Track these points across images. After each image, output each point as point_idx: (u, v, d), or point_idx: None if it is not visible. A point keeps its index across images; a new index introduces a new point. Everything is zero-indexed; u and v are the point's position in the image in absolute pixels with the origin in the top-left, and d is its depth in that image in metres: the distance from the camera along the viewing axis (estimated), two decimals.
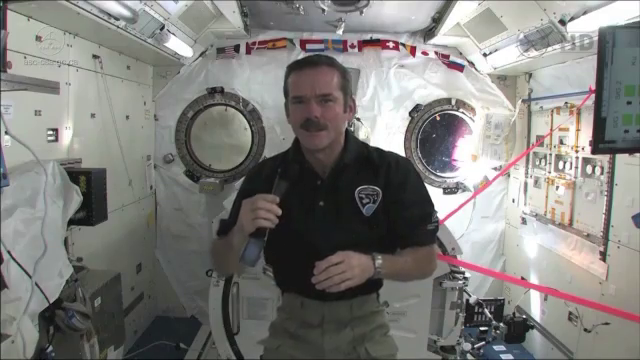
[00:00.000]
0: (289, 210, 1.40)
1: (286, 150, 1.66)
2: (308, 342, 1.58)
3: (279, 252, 1.57)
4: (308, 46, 4.23)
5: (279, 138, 4.28)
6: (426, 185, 1.70)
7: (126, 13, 2.58)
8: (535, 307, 3.75)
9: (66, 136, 2.83)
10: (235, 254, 1.41)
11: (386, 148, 1.67)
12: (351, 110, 1.60)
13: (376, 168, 1.56)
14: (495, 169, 4.24)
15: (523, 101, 4.11)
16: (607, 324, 2.74)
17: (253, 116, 4.36)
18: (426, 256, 1.59)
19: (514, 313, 3.40)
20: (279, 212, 1.34)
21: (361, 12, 3.53)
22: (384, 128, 4.36)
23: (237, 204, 1.50)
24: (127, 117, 3.72)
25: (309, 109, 1.46)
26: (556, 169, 3.60)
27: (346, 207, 1.51)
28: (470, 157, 4.38)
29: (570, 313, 3.18)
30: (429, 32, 4.13)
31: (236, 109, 4.38)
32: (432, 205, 1.61)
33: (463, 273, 2.85)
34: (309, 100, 1.46)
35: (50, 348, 2.06)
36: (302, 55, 4.06)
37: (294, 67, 1.53)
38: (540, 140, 3.75)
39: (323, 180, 1.55)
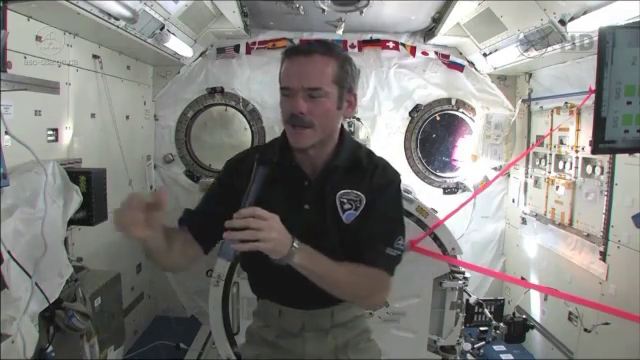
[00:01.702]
0: (271, 211, 1.27)
1: (270, 142, 1.53)
2: (288, 351, 1.48)
3: (257, 256, 1.43)
4: None
5: None
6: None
7: (126, 13, 2.58)
8: (535, 307, 3.75)
9: (66, 136, 2.82)
10: (155, 251, 1.36)
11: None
12: (350, 106, 1.43)
13: (363, 171, 1.43)
14: (495, 169, 4.24)
15: (523, 101, 4.11)
16: (607, 324, 2.74)
17: (253, 116, 4.36)
18: (370, 278, 1.35)
19: (514, 313, 3.40)
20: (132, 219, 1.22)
21: (361, 12, 3.53)
22: (384, 128, 4.36)
23: (210, 193, 1.41)
24: (127, 117, 3.72)
25: (295, 103, 1.32)
26: (556, 169, 3.60)
27: (330, 212, 1.38)
28: (470, 157, 4.38)
29: (570, 313, 3.18)
30: (429, 32, 4.13)
31: (236, 109, 4.38)
32: (401, 230, 1.42)
33: (463, 273, 2.85)
34: (296, 93, 1.32)
35: (50, 348, 2.06)
36: None
37: (287, 54, 1.38)
38: (540, 140, 3.75)
39: (311, 181, 1.42)
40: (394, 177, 1.47)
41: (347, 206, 1.39)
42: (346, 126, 4.13)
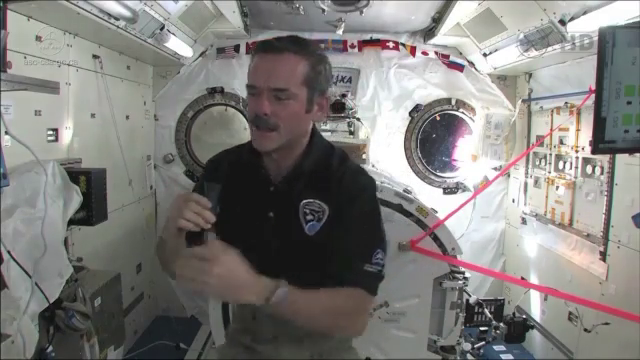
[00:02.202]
0: (237, 216, 1.25)
1: (242, 145, 1.44)
2: (263, 356, 1.44)
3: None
4: None
5: None
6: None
7: (126, 13, 2.58)
8: (535, 307, 3.75)
9: (66, 136, 2.82)
10: (169, 253, 1.28)
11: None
12: (321, 109, 1.34)
13: (330, 179, 1.32)
14: (495, 169, 4.24)
15: (523, 101, 4.11)
16: (607, 324, 2.73)
17: None
18: (349, 302, 1.22)
19: (514, 313, 3.39)
20: (212, 219, 1.16)
21: (361, 12, 3.54)
22: (384, 128, 4.36)
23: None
24: (127, 117, 3.72)
25: (259, 104, 1.24)
26: (556, 169, 3.60)
27: (293, 222, 1.30)
28: (470, 157, 4.38)
29: (570, 313, 3.18)
30: (429, 32, 4.14)
31: (236, 109, 4.38)
32: (378, 243, 1.29)
33: (463, 273, 2.84)
34: (261, 93, 1.24)
35: (50, 348, 2.06)
36: None
37: (257, 49, 1.29)
38: (540, 140, 3.74)
39: (276, 187, 1.35)
40: (366, 186, 1.34)
41: (309, 217, 1.30)
42: (346, 127, 4.14)
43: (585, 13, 2.54)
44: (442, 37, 3.99)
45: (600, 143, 1.83)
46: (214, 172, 1.34)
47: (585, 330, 2.94)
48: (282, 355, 1.42)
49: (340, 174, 1.33)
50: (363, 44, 4.26)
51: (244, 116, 4.38)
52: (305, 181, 1.33)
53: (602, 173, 3.00)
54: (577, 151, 3.28)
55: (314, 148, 1.36)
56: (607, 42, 1.76)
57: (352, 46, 4.23)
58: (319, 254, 1.28)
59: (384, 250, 1.30)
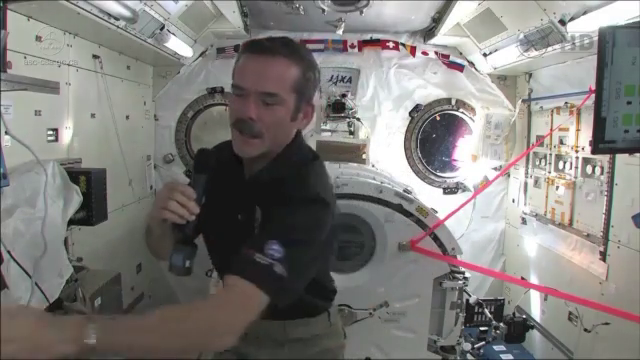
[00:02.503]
0: (211, 216, 1.25)
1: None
2: (247, 356, 1.45)
3: (210, 256, 1.45)
4: (308, 46, 4.23)
5: None
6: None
7: (126, 13, 2.58)
8: (535, 307, 3.75)
9: (66, 136, 2.82)
10: (155, 239, 1.31)
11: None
12: (306, 117, 1.30)
13: (282, 183, 1.24)
14: (495, 169, 4.24)
15: (523, 101, 4.11)
16: (607, 324, 2.74)
17: None
18: (212, 305, 1.08)
19: (514, 313, 3.40)
20: (196, 210, 1.16)
21: (361, 12, 3.54)
22: (384, 128, 4.37)
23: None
24: (127, 117, 3.71)
25: (245, 107, 1.19)
26: (556, 169, 3.60)
27: (253, 227, 1.26)
28: (470, 157, 4.39)
29: (570, 313, 3.18)
30: (429, 32, 4.14)
31: None
32: (280, 237, 1.10)
33: (463, 273, 2.85)
34: (248, 95, 1.18)
35: None
36: None
37: (247, 48, 1.24)
38: (540, 140, 3.74)
39: (245, 190, 1.33)
40: (302, 193, 1.21)
41: (257, 224, 1.25)
42: (346, 127, 4.14)
43: (585, 13, 2.54)
44: (442, 37, 3.99)
45: (600, 143, 1.84)
46: (203, 162, 1.30)
47: (585, 330, 2.94)
48: (264, 355, 1.43)
49: (286, 181, 1.24)
50: (363, 44, 4.25)
51: None
52: (267, 185, 1.26)
53: (602, 173, 3.00)
54: (577, 151, 3.28)
55: (287, 153, 1.31)
56: (607, 42, 1.76)
57: (352, 46, 4.23)
58: None
59: (287, 247, 1.10)
